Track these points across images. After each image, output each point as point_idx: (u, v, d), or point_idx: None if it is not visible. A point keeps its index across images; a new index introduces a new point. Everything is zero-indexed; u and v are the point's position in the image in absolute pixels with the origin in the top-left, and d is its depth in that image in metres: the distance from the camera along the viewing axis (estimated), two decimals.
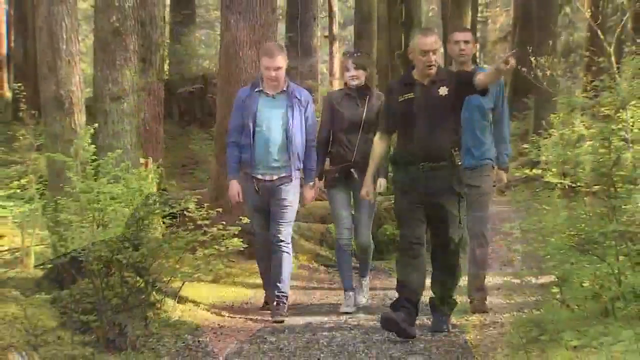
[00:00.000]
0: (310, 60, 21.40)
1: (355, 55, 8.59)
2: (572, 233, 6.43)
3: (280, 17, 20.34)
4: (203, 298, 8.82)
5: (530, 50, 12.27)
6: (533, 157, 7.10)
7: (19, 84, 16.22)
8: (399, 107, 7.24)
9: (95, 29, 9.72)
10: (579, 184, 6.65)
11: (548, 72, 10.23)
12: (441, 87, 7.10)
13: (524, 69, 11.46)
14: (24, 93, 16.13)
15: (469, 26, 22.21)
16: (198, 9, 28.55)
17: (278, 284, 8.14)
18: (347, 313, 8.36)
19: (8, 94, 19.45)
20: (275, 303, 8.15)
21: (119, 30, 9.15)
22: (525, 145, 7.65)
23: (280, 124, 8.06)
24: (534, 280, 6.65)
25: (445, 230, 7.12)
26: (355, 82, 8.37)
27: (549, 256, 6.40)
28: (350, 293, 8.56)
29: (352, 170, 8.29)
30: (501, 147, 8.12)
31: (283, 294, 8.16)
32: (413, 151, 7.11)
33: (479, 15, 33.15)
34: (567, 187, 7.01)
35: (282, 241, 8.13)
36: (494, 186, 7.93)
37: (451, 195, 7.10)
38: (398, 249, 7.48)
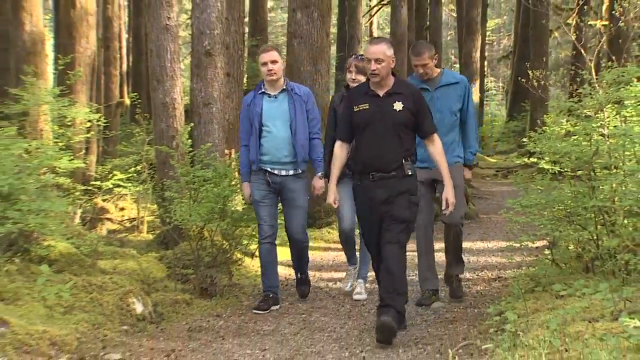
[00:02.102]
0: None
1: (359, 58, 7.03)
2: (561, 208, 6.42)
3: (333, 40, 20.27)
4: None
5: (527, 65, 12.12)
6: (530, 149, 6.96)
7: (135, 94, 16.35)
8: (353, 116, 5.77)
9: (192, 51, 9.74)
10: (566, 169, 6.64)
11: (542, 82, 10.14)
12: (396, 102, 5.66)
13: (522, 80, 11.32)
14: (139, 100, 16.31)
15: (477, 47, 22.02)
16: (270, 34, 28.58)
17: (300, 270, 7.23)
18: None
19: (127, 101, 19.63)
20: (299, 278, 7.28)
21: (209, 52, 9.17)
22: (524, 140, 7.51)
23: (285, 121, 6.72)
24: (530, 245, 6.61)
25: (393, 233, 5.63)
26: (354, 85, 6.85)
27: (542, 225, 6.42)
28: (352, 269, 7.58)
29: (347, 170, 6.45)
30: (467, 145, 6.93)
31: (304, 275, 7.25)
32: (364, 161, 5.73)
33: (487, 38, 32.75)
34: (556, 172, 6.95)
35: (299, 238, 6.96)
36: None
37: (401, 199, 5.66)
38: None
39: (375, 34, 29.20)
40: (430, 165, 6.42)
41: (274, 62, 6.69)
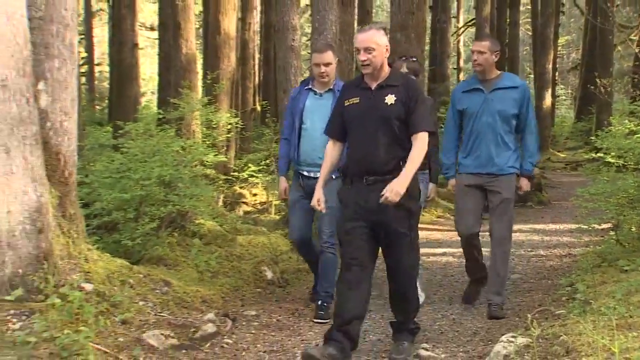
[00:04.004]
0: (445, 84, 21.02)
1: (410, 60, 5.59)
2: (624, 195, 6.14)
3: (426, 56, 19.99)
4: None
5: (595, 75, 11.62)
6: (597, 145, 6.68)
7: (265, 102, 16.61)
8: (344, 111, 4.25)
9: (310, 68, 9.80)
10: (629, 163, 6.35)
11: (607, 89, 9.72)
12: (389, 95, 4.12)
13: (591, 87, 10.86)
14: (268, 107, 16.57)
15: (550, 60, 21.29)
16: None
17: (323, 284, 5.26)
18: None
19: (259, 108, 19.97)
20: (319, 302, 5.24)
21: None
22: (592, 137, 7.21)
23: (324, 120, 4.67)
24: (596, 227, 6.34)
25: (394, 251, 4.12)
26: None
27: (607, 210, 6.16)
28: None
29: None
30: (526, 154, 5.29)
31: (327, 294, 5.20)
32: (356, 162, 4.14)
33: (558, 52, 31.60)
34: (620, 165, 6.64)
35: (326, 242, 5.21)
36: (516, 192, 5.31)
37: (399, 211, 4.01)
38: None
39: (462, 51, 28.64)
40: (480, 170, 5.20)
41: (327, 64, 5.25)
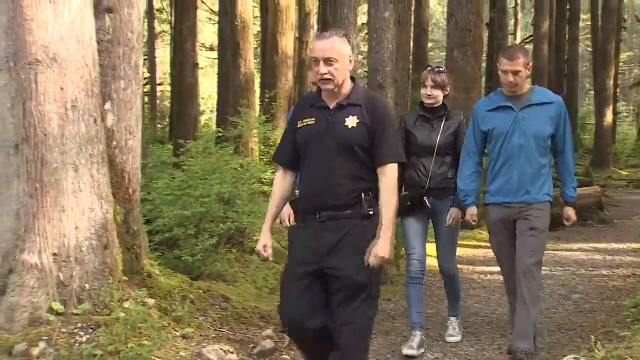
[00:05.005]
0: None
1: (435, 70, 4.90)
2: None
3: (483, 72, 19.76)
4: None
5: None
6: None
7: None
8: (297, 134, 3.45)
9: (367, 84, 9.85)
10: None
11: None
12: (350, 116, 3.35)
13: None
14: None
15: (611, 76, 20.78)
16: None
17: None
18: (411, 357, 4.70)
19: None
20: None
21: (382, 85, 9.18)
22: None
23: None
24: None
25: (347, 307, 3.25)
26: (430, 102, 4.85)
27: None
28: (418, 332, 4.83)
29: (424, 198, 4.81)
30: (566, 180, 4.52)
31: None
32: (309, 196, 3.39)
33: (619, 68, 30.85)
34: None
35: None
36: (563, 225, 4.75)
37: (357, 257, 3.24)
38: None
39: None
40: (512, 199, 4.37)
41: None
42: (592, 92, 28.30)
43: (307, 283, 3.31)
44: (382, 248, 3.23)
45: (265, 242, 3.46)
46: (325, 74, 3.33)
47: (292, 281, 3.36)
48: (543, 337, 5.07)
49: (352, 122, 3.35)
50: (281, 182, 3.55)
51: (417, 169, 4.86)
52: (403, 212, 4.77)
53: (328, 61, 3.32)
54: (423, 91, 4.87)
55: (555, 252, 8.72)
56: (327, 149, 3.34)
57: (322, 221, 3.31)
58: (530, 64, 4.45)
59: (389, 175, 3.33)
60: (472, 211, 4.58)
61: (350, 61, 3.39)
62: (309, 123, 3.42)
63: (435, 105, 4.87)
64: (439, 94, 4.84)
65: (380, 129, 3.35)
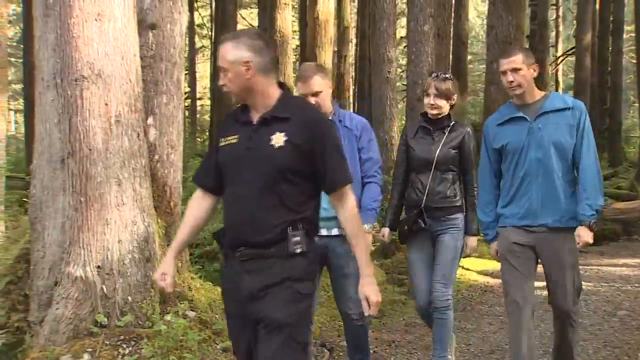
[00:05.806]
0: None
1: (440, 77, 4.34)
2: None
3: None
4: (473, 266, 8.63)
5: None
6: None
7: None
8: (219, 154, 2.82)
9: (407, 97, 9.84)
10: None
11: None
12: (277, 133, 2.67)
13: None
14: None
15: None
16: (468, 82, 28.15)
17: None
18: None
19: None
20: None
21: (421, 98, 9.22)
22: None
23: None
24: None
25: (264, 348, 2.62)
26: (433, 112, 4.31)
27: None
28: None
29: (419, 219, 4.25)
30: (584, 196, 3.69)
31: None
32: (229, 228, 2.76)
33: None
34: None
35: (348, 314, 4.01)
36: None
37: (281, 291, 2.64)
38: None
39: (560, 80, 27.86)
40: (531, 221, 3.78)
41: (315, 94, 3.86)
42: (636, 105, 27.73)
43: (239, 331, 2.78)
44: (370, 293, 2.77)
45: (164, 270, 2.87)
46: (222, 84, 2.78)
47: (229, 328, 2.89)
48: (588, 354, 4.97)
49: (278, 139, 2.67)
50: (197, 204, 2.92)
51: (415, 186, 4.33)
52: (403, 239, 4.39)
53: (223, 71, 2.75)
54: (426, 100, 4.35)
55: (599, 267, 8.57)
56: (249, 172, 2.69)
57: (242, 260, 2.69)
58: (535, 65, 3.91)
59: (344, 202, 2.74)
60: (495, 247, 4.00)
61: (248, 68, 2.69)
62: (231, 141, 2.78)
63: (439, 116, 4.33)
64: (443, 104, 4.30)
65: (319, 148, 2.69)
